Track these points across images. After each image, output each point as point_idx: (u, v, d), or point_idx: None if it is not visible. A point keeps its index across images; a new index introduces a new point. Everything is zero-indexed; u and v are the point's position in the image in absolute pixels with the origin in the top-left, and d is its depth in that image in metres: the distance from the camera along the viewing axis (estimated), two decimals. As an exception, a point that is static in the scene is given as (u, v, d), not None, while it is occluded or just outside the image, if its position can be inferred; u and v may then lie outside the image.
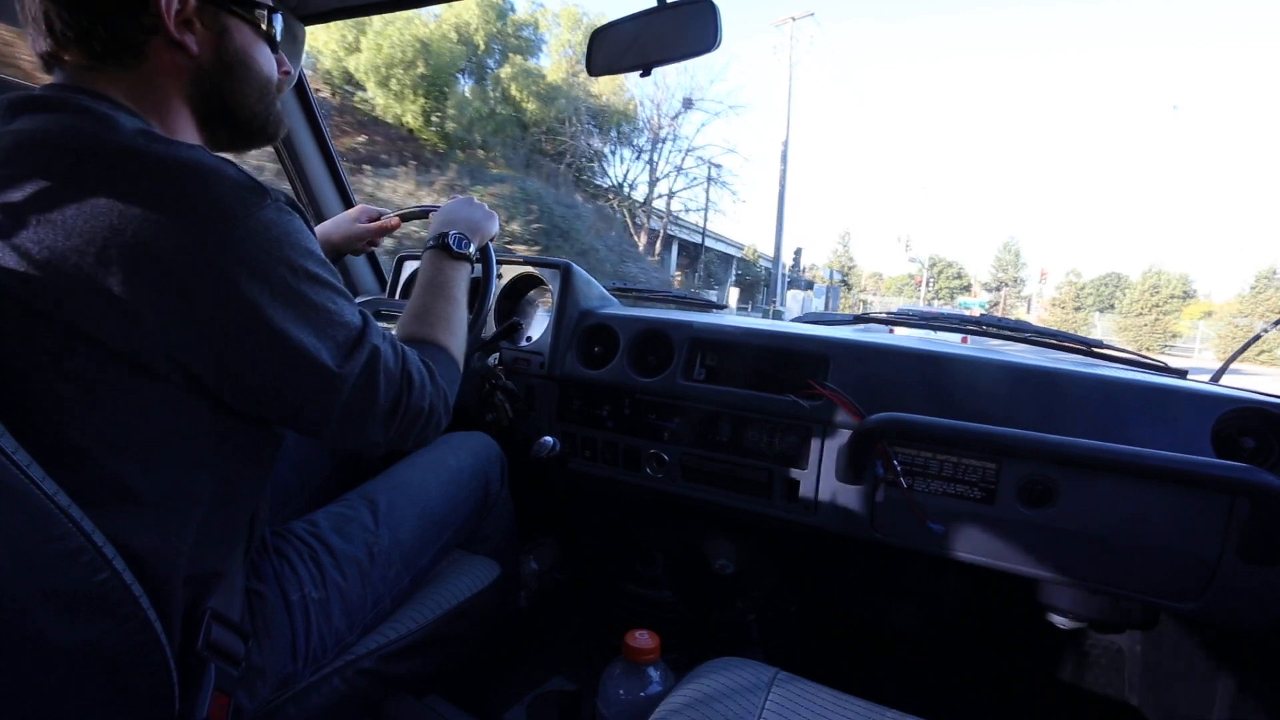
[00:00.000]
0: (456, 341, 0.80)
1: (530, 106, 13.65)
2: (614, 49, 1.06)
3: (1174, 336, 29.17)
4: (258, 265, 0.53)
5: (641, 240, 16.73)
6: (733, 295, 20.43)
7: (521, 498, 1.16)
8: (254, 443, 0.63)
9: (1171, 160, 78.82)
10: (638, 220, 17.14)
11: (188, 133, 0.65)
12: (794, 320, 1.42)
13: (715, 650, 0.86)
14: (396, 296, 1.52)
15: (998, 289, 40.58)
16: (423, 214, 1.25)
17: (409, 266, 1.54)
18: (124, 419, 0.51)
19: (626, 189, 17.57)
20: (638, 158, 17.54)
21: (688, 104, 16.92)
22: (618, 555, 1.54)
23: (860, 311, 1.59)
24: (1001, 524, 0.92)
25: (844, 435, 1.02)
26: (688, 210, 19.09)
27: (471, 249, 0.93)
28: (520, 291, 1.43)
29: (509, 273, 1.40)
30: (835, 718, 0.67)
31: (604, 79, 14.31)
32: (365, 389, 0.60)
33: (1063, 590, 1.16)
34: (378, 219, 1.18)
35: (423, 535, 0.90)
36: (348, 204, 1.55)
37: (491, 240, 1.02)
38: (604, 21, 1.05)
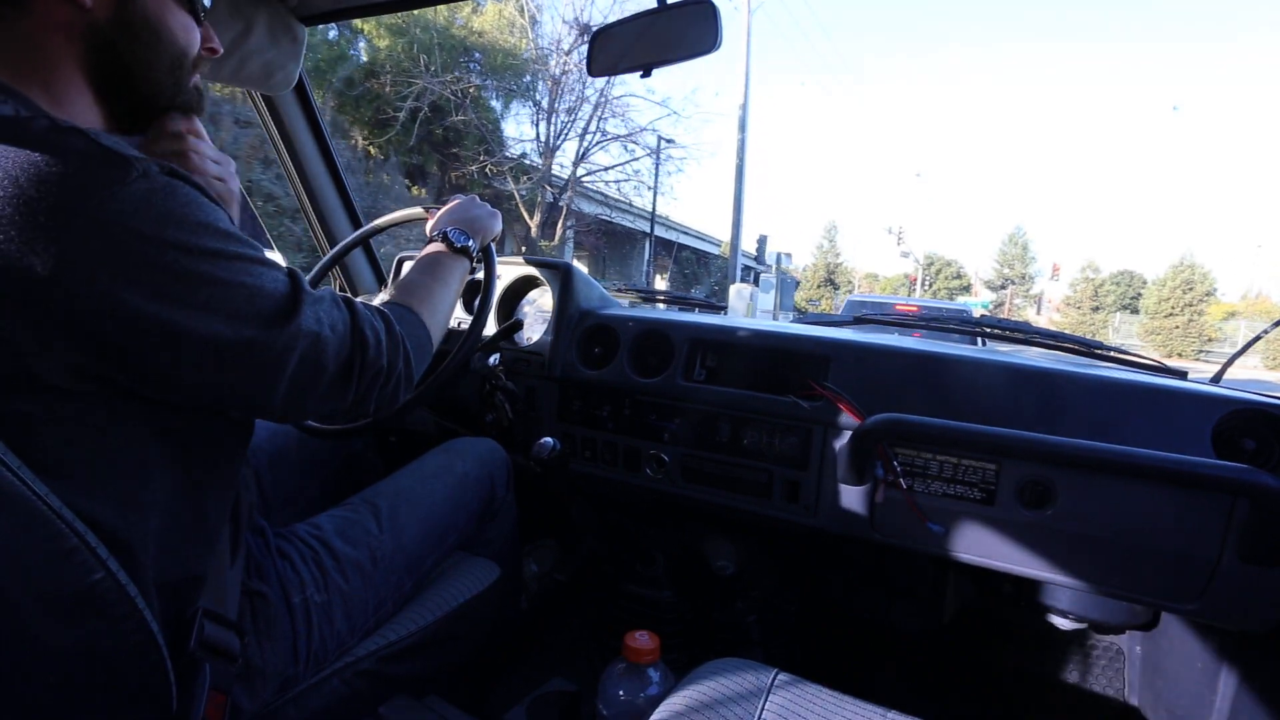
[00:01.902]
0: (431, 312, 0.78)
1: (383, 43, 10.83)
2: (615, 50, 1.07)
3: (1209, 341, 25.49)
4: (134, 259, 0.45)
5: (535, 220, 13.12)
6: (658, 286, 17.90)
7: (521, 499, 1.16)
8: (210, 434, 0.59)
9: (1183, 154, 78.55)
10: (522, 190, 12.98)
11: (81, 106, 0.57)
12: (793, 321, 1.42)
13: (715, 651, 0.86)
14: None
15: (1002, 287, 38.44)
16: (424, 217, 1.25)
17: (409, 267, 1.54)
18: (49, 444, 0.46)
19: (529, 150, 13.20)
20: (569, 119, 13.09)
21: (584, 32, 12.27)
22: (618, 556, 1.54)
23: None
24: (1001, 525, 0.92)
25: (844, 436, 1.02)
26: (619, 188, 14.76)
27: (471, 244, 0.92)
28: (520, 292, 1.44)
29: (509, 273, 1.40)
30: (835, 718, 0.67)
31: (490, 11, 11.98)
32: (310, 357, 0.55)
33: (1063, 591, 1.16)
34: None
35: (426, 540, 0.90)
36: (349, 207, 1.56)
37: (494, 239, 1.02)
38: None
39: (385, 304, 0.72)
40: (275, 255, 1.34)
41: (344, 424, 0.84)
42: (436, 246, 0.91)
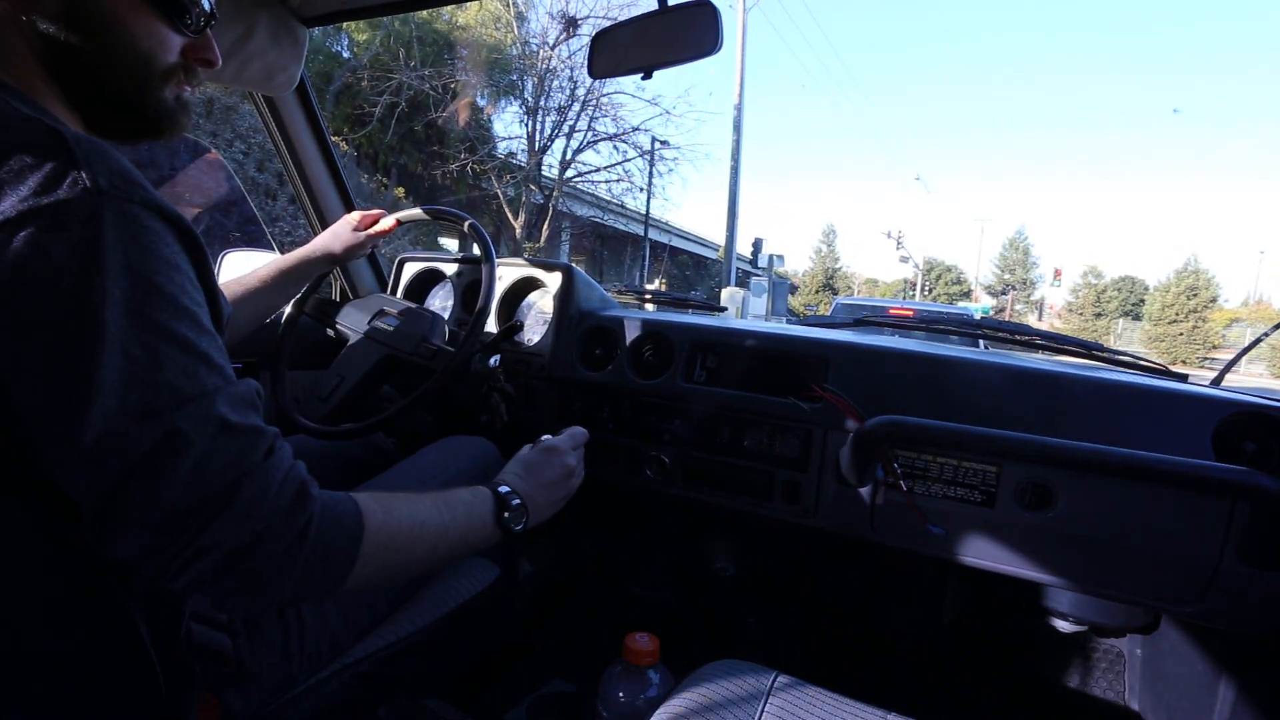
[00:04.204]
0: (394, 539, 0.58)
1: (361, 36, 10.46)
2: (616, 51, 1.07)
3: (1214, 348, 24.66)
4: (66, 285, 0.42)
5: (519, 222, 12.49)
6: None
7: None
8: None
9: (1184, 158, 78.51)
10: (507, 189, 12.28)
11: (57, 109, 0.53)
12: (793, 322, 1.42)
13: (715, 652, 0.86)
14: (398, 295, 1.52)
15: (1003, 293, 38.28)
16: (423, 218, 1.26)
17: (410, 268, 1.54)
18: (30, 449, 0.44)
19: (516, 148, 12.65)
20: (558, 118, 12.60)
21: (570, 26, 11.64)
22: (618, 557, 1.54)
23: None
24: (1002, 527, 0.92)
25: (844, 438, 1.02)
26: (611, 190, 14.05)
27: (519, 529, 0.72)
28: (520, 293, 1.44)
29: (509, 274, 1.40)
30: (835, 720, 0.66)
31: (475, 4, 11.24)
32: (144, 480, 0.44)
33: (1063, 593, 1.15)
34: (374, 222, 1.19)
35: None
36: (349, 207, 1.56)
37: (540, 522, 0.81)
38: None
39: (349, 496, 0.57)
40: (269, 255, 1.34)
41: (156, 585, 0.57)
42: (485, 497, 0.70)
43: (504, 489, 0.72)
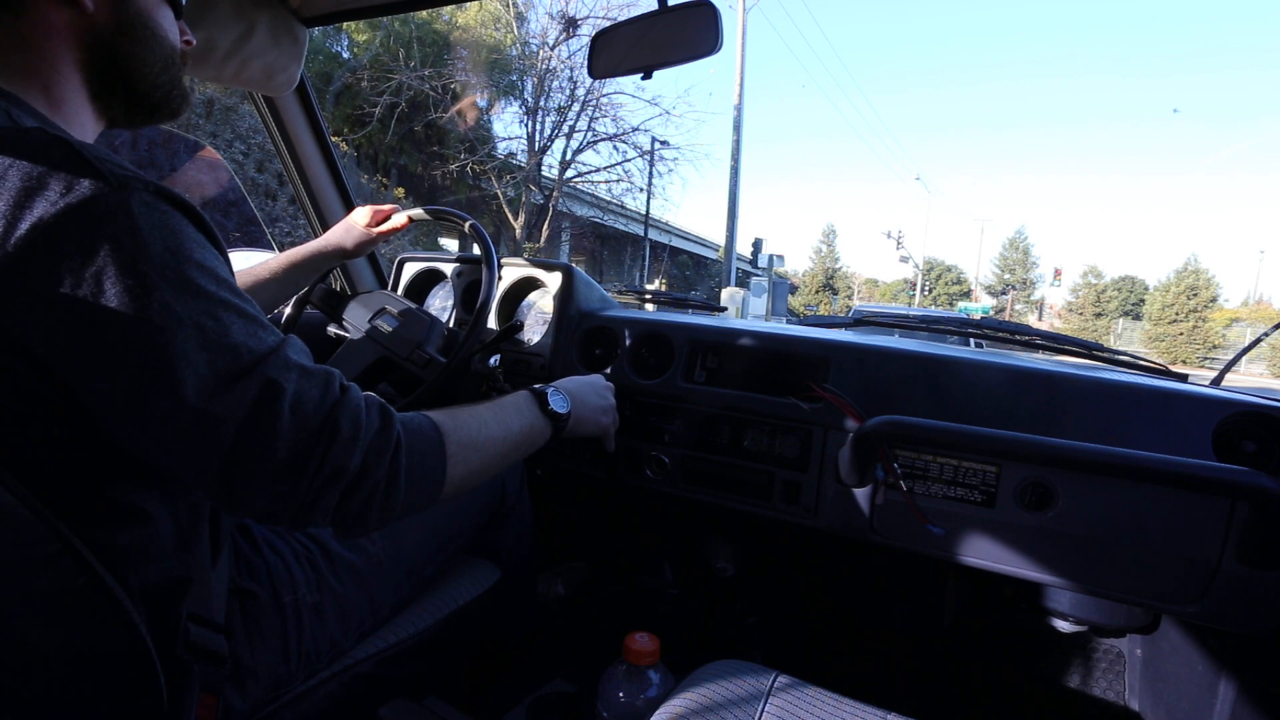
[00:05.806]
0: (465, 444, 0.64)
1: (361, 37, 10.60)
2: (616, 51, 1.07)
3: (1214, 348, 24.92)
4: (109, 283, 0.44)
5: (519, 222, 12.59)
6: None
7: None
8: None
9: (1184, 158, 78.57)
10: (507, 190, 12.37)
11: (78, 107, 0.58)
12: (793, 322, 1.42)
13: (715, 652, 0.86)
14: (399, 294, 1.52)
15: (1003, 293, 38.35)
16: (425, 218, 1.26)
17: (410, 268, 1.54)
18: (29, 449, 0.47)
19: (515, 148, 12.73)
20: (558, 118, 12.66)
21: (570, 26, 11.72)
22: (619, 557, 1.54)
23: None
24: (1002, 527, 0.92)
25: (844, 438, 1.02)
26: (611, 190, 14.16)
27: (564, 414, 0.80)
28: (521, 293, 1.44)
29: (510, 274, 1.40)
30: (835, 720, 0.66)
31: (475, 4, 11.38)
32: (255, 433, 0.48)
33: (1063, 594, 1.15)
34: (385, 218, 1.20)
35: (426, 545, 0.89)
36: (349, 206, 1.56)
37: (592, 436, 0.91)
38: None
39: (419, 413, 0.62)
40: (270, 255, 1.34)
41: (290, 528, 0.67)
42: (526, 396, 0.79)
43: (538, 386, 0.81)
